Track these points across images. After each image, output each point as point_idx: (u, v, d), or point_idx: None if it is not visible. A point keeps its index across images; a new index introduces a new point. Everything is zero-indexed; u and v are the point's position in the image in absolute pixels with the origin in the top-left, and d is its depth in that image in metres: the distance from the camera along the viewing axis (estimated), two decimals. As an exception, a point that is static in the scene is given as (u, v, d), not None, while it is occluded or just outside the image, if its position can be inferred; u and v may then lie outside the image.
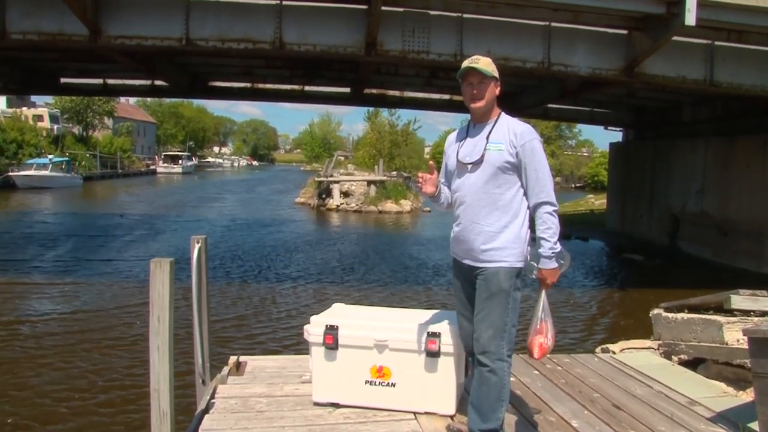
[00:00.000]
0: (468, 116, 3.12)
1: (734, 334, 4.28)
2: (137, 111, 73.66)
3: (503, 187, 2.91)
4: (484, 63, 2.92)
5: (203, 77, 16.39)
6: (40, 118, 49.29)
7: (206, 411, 3.37)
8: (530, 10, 8.88)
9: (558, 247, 2.87)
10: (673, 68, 10.10)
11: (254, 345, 7.58)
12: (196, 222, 20.72)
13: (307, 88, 17.09)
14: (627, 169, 20.32)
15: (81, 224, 19.82)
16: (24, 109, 47.73)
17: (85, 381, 6.26)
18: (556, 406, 3.63)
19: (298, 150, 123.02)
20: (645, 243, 17.57)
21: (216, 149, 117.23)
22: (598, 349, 5.37)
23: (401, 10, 9.12)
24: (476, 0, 8.68)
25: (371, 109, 37.62)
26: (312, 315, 3.56)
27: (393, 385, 3.36)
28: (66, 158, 41.44)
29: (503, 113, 3.02)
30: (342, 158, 38.98)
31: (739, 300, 4.53)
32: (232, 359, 4.20)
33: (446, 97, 17.61)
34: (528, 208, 2.93)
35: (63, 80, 16.25)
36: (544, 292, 2.96)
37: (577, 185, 59.00)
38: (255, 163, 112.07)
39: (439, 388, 3.34)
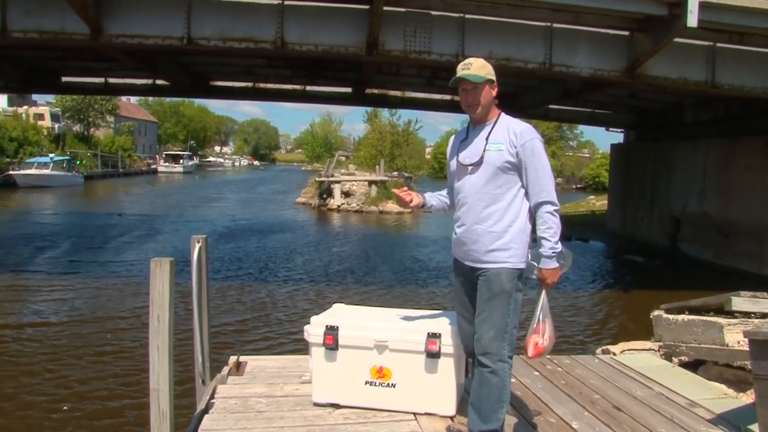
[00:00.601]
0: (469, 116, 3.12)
1: (735, 336, 4.27)
2: (138, 110, 73.75)
3: (504, 187, 2.90)
4: (476, 68, 2.90)
5: (205, 76, 16.39)
6: (41, 116, 49.37)
7: (206, 411, 3.36)
8: (531, 10, 8.87)
9: (559, 246, 2.85)
10: (674, 70, 10.09)
11: (254, 345, 7.58)
12: (196, 222, 20.69)
13: (308, 87, 17.08)
14: (628, 171, 20.30)
15: (81, 224, 19.82)
16: (25, 107, 47.76)
17: (83, 381, 6.27)
18: (556, 407, 3.62)
19: (299, 150, 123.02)
20: (646, 244, 17.55)
21: (217, 149, 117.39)
22: (598, 351, 5.37)
23: (403, 10, 9.11)
24: (477, 0, 8.66)
25: (371, 109, 37.68)
26: (312, 315, 3.56)
27: (393, 385, 3.36)
28: (67, 157, 41.50)
29: (503, 113, 3.01)
30: (343, 158, 39.02)
31: (740, 302, 4.51)
32: (232, 359, 4.20)
33: (447, 97, 17.57)
34: (530, 208, 2.92)
35: (64, 79, 16.26)
36: (544, 292, 2.94)
37: (578, 186, 59.00)
38: (256, 162, 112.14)
39: (439, 389, 3.33)
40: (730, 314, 4.52)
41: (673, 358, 4.80)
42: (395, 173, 33.46)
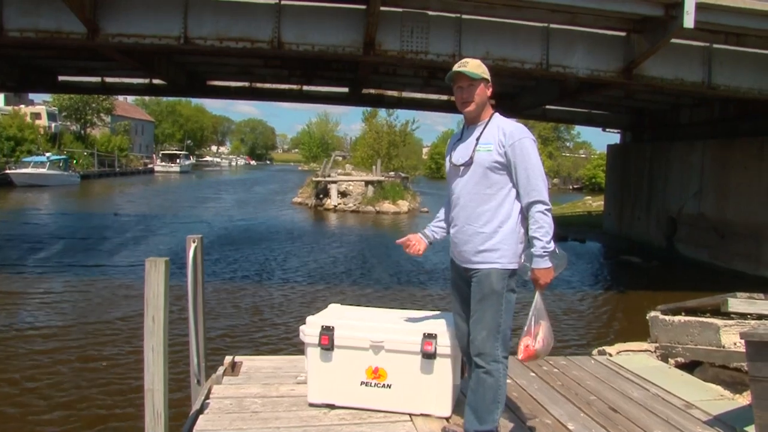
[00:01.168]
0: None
1: (731, 337, 4.27)
2: (135, 109, 73.63)
3: (494, 187, 2.89)
4: (473, 66, 2.91)
5: (201, 76, 16.37)
6: (38, 115, 49.26)
7: (201, 411, 3.35)
8: (527, 11, 8.87)
9: (551, 246, 2.82)
10: (671, 70, 10.11)
11: (250, 345, 7.55)
12: (192, 223, 20.59)
13: (305, 87, 17.08)
14: (625, 171, 20.33)
15: (75, 224, 19.75)
16: (22, 106, 47.64)
17: (81, 380, 6.24)
18: (552, 408, 3.62)
19: (296, 150, 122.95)
20: (642, 245, 17.58)
21: (214, 148, 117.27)
22: (594, 352, 5.37)
23: (400, 10, 9.11)
24: (474, 0, 8.66)
25: (369, 109, 37.64)
26: (308, 316, 3.54)
27: (389, 386, 3.35)
28: (64, 156, 41.41)
29: (497, 114, 3.01)
30: (340, 158, 38.99)
31: (736, 303, 4.52)
32: (228, 359, 4.18)
33: (444, 97, 17.59)
34: (521, 209, 2.91)
35: (61, 78, 16.24)
36: (538, 293, 2.91)
37: (575, 187, 59.16)
38: (253, 162, 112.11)
39: (435, 390, 3.32)
40: (727, 315, 4.52)
41: (669, 359, 4.80)
42: (392, 173, 33.44)
